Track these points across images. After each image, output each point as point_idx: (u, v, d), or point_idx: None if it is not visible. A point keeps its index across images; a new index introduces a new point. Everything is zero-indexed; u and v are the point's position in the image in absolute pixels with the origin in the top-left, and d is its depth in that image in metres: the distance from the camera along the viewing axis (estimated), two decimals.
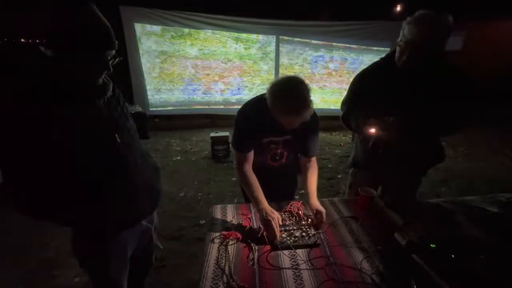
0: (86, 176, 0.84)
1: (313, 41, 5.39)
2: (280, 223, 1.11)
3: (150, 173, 1.06)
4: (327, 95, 5.92)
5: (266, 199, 1.17)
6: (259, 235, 1.06)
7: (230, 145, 1.30)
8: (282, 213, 1.20)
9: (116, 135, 0.89)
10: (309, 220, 1.17)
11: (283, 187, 1.49)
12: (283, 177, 1.45)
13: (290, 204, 1.26)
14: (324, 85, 5.82)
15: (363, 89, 1.37)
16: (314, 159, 1.35)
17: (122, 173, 0.92)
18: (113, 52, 0.82)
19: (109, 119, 0.88)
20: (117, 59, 0.84)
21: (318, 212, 1.14)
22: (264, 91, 1.12)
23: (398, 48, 1.21)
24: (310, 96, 1.05)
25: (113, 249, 0.98)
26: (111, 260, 1.00)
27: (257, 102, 1.19)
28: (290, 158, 1.38)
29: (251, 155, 1.25)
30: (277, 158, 1.34)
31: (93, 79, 0.83)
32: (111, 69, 0.83)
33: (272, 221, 1.05)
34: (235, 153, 1.26)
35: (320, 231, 1.11)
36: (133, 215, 1.00)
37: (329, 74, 5.76)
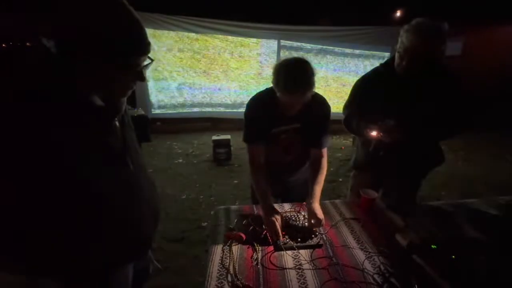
0: (96, 205, 0.68)
1: (314, 46, 5.45)
2: (283, 223, 1.12)
3: (151, 192, 0.91)
4: (328, 99, 5.95)
5: (278, 198, 1.17)
6: (262, 236, 1.08)
7: (242, 139, 1.28)
8: (286, 213, 1.22)
9: (128, 159, 0.75)
10: (305, 223, 1.15)
11: (296, 189, 1.44)
12: (297, 175, 1.43)
13: (293, 205, 1.27)
14: (325, 90, 5.86)
15: (364, 93, 1.40)
16: (325, 153, 1.31)
17: (132, 199, 0.79)
18: (146, 57, 0.64)
19: (122, 140, 0.74)
20: (149, 63, 0.67)
21: (316, 219, 1.09)
22: None
23: (397, 55, 1.25)
24: (313, 77, 1.07)
25: (116, 281, 0.84)
26: None
27: (264, 93, 1.21)
28: (303, 151, 1.34)
29: (262, 149, 1.25)
30: (290, 149, 1.32)
31: (123, 93, 0.68)
32: (145, 79, 0.66)
33: (276, 222, 1.06)
34: (247, 147, 1.27)
35: (322, 232, 1.13)
36: (140, 244, 0.87)
37: (330, 78, 5.81)
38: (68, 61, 0.58)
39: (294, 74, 1.04)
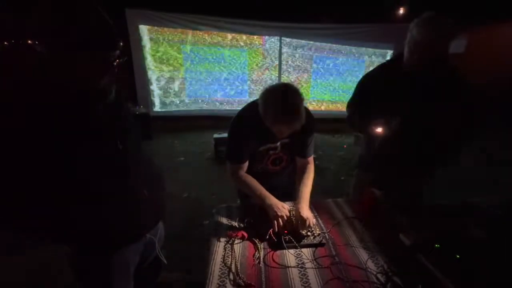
0: (84, 185, 0.76)
1: (316, 43, 5.43)
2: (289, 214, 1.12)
3: (154, 182, 1.00)
4: (329, 97, 5.93)
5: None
6: (268, 237, 1.06)
7: (225, 157, 1.26)
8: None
9: (118, 141, 0.83)
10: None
11: (283, 187, 1.47)
12: (283, 178, 1.45)
13: (293, 204, 1.26)
14: (326, 87, 5.84)
15: (369, 91, 1.38)
16: (311, 160, 1.33)
17: (123, 182, 0.86)
18: (117, 52, 0.75)
19: (110, 124, 0.82)
20: (121, 60, 0.77)
21: (302, 219, 1.08)
22: None
23: (407, 49, 1.22)
24: (302, 106, 1.04)
25: (114, 266, 0.91)
26: (113, 277, 0.92)
27: (250, 111, 1.15)
28: (290, 160, 1.37)
29: (245, 164, 1.25)
30: (277, 162, 1.33)
31: (95, 81, 0.76)
32: (115, 71, 0.76)
33: (284, 218, 1.08)
34: (229, 164, 1.24)
35: (325, 231, 1.12)
36: (135, 229, 0.94)
37: (332, 76, 5.78)
38: (57, 56, 0.68)
39: (282, 106, 1.00)
